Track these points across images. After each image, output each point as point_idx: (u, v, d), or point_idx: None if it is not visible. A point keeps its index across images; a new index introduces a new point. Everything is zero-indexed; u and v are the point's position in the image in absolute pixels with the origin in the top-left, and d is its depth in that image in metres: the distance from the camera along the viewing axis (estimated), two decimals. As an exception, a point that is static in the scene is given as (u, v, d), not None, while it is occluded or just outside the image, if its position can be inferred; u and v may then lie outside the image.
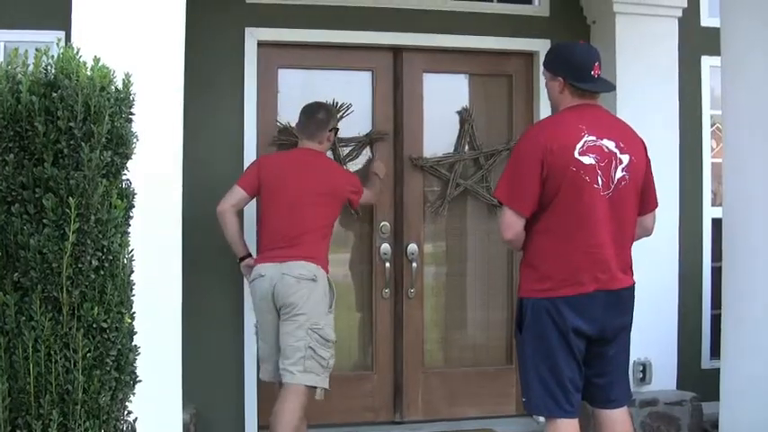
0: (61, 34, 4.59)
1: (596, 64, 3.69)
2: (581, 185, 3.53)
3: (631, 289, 3.70)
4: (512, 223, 3.61)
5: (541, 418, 3.77)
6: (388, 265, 5.66)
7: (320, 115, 4.94)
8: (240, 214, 4.93)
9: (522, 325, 3.65)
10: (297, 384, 4.51)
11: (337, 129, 5.13)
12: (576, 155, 3.53)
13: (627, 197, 3.64)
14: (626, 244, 3.70)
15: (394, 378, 5.72)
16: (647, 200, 3.78)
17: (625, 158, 3.62)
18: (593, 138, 3.58)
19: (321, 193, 4.74)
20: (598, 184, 3.55)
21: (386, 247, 5.67)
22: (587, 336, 3.60)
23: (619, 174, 3.60)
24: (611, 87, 3.87)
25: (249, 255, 4.89)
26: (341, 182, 4.90)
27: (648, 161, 3.77)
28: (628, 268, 3.71)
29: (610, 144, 3.60)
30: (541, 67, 4.03)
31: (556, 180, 3.53)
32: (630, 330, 3.76)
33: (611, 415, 3.74)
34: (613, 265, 3.61)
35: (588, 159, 3.54)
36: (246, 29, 5.40)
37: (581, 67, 3.67)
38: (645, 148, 3.76)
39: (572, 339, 3.56)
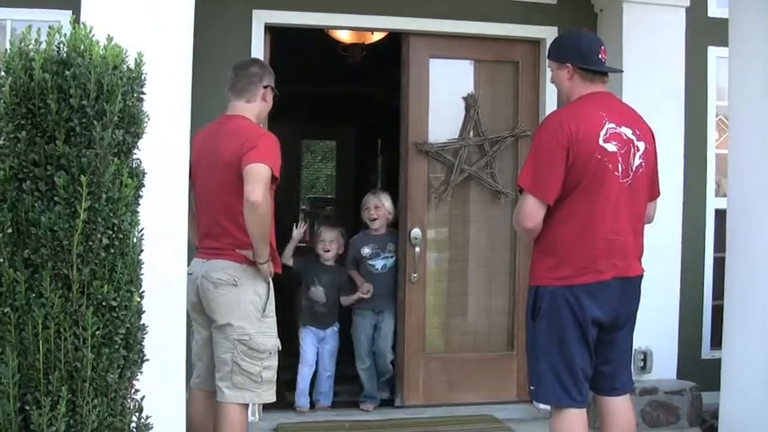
0: (69, 13, 4.57)
1: (602, 48, 3.70)
2: (603, 173, 3.53)
3: (642, 277, 3.71)
4: (533, 211, 3.56)
5: (542, 405, 3.76)
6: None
7: (253, 68, 4.21)
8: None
9: (535, 313, 3.63)
10: (228, 403, 3.89)
11: (277, 92, 4.27)
12: (601, 142, 3.53)
13: (642, 184, 3.66)
14: (640, 231, 3.71)
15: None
16: (653, 188, 3.79)
17: (641, 146, 3.63)
18: (614, 125, 3.58)
19: (233, 167, 3.85)
20: (618, 172, 3.56)
21: None
22: (601, 323, 3.60)
23: (637, 161, 3.61)
24: (618, 69, 3.88)
25: None
26: (239, 145, 3.86)
27: (656, 149, 3.78)
28: (641, 256, 3.72)
29: (627, 131, 3.61)
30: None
31: (580, 168, 3.51)
32: (636, 318, 3.77)
33: (615, 403, 3.75)
34: (630, 253, 3.63)
35: (611, 147, 3.54)
36: (254, 11, 5.38)
37: (588, 51, 3.67)
38: (653, 136, 3.76)
39: (588, 328, 3.56)
